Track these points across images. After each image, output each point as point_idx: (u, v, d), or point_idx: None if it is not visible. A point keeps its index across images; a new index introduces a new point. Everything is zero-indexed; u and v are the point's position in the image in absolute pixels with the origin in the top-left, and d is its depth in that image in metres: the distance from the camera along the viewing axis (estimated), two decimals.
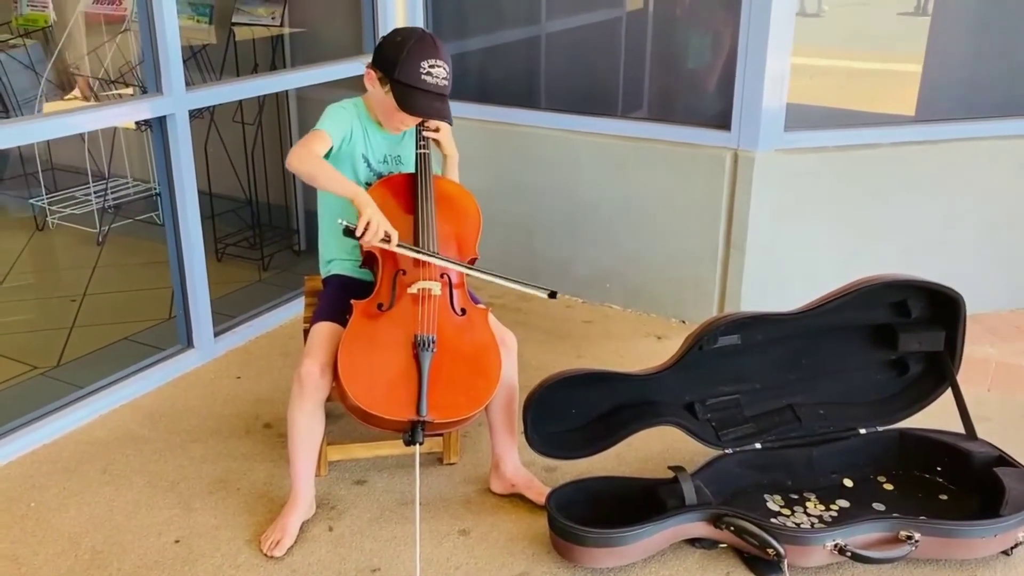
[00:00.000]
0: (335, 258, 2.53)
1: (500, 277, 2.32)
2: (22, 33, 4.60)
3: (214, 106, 4.14)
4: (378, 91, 2.36)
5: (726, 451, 2.52)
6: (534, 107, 3.81)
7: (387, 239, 2.23)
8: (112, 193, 4.79)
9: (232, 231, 4.39)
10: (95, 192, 4.68)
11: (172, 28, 2.90)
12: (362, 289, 2.37)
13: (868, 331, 2.60)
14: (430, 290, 2.30)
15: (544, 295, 2.36)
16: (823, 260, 3.47)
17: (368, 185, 2.43)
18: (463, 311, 2.34)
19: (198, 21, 4.15)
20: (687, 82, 3.66)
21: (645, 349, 3.43)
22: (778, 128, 3.34)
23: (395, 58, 2.29)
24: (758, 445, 2.54)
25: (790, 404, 2.60)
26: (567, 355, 3.36)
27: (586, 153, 3.65)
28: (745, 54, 3.26)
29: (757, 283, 3.48)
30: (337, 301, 2.37)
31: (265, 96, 4.20)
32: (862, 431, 2.60)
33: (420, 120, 2.42)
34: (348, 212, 2.43)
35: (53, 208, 4.64)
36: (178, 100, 2.98)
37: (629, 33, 3.77)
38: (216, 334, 3.32)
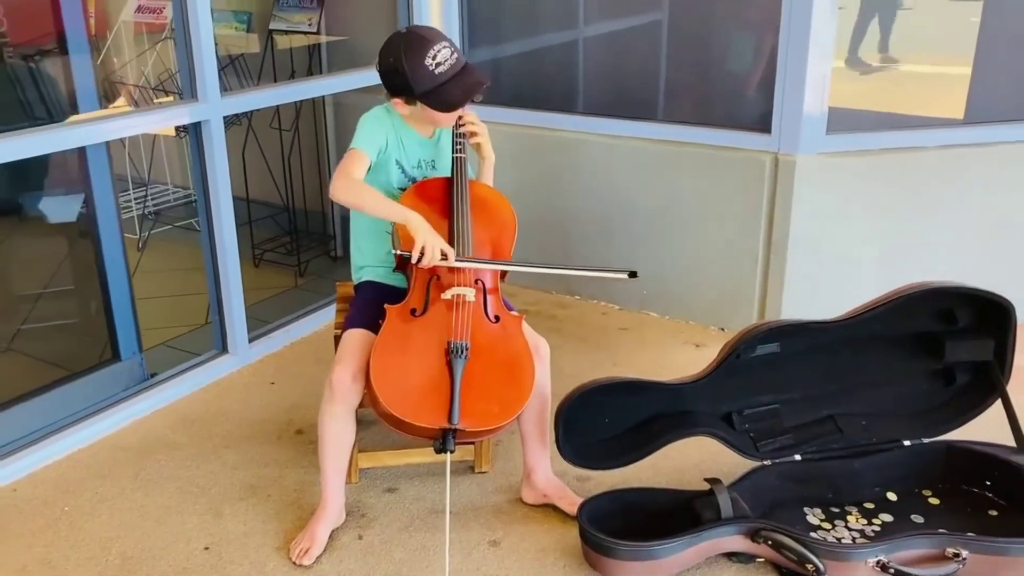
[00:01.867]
0: (367, 264, 2.51)
1: (573, 268, 2.31)
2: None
3: (251, 112, 4.16)
4: (413, 109, 2.33)
5: (765, 462, 2.46)
6: (570, 111, 3.77)
7: (445, 257, 2.21)
8: (152, 199, 4.83)
9: (269, 237, 4.40)
10: (136, 198, 4.73)
11: (207, 35, 2.91)
12: (394, 295, 2.34)
13: (913, 340, 2.51)
14: (464, 296, 2.27)
15: (624, 276, 2.34)
16: (867, 266, 3.38)
17: (402, 191, 2.41)
18: (497, 318, 2.30)
19: (236, 29, 4.17)
20: (727, 85, 3.60)
21: (683, 357, 3.36)
22: (820, 131, 3.27)
23: (404, 81, 2.25)
24: (798, 457, 2.47)
25: (831, 415, 2.53)
26: (603, 363, 3.31)
27: (623, 157, 3.60)
28: (786, 56, 3.20)
29: (799, 290, 3.40)
30: (369, 307, 2.35)
31: (302, 102, 4.21)
32: (907, 443, 2.51)
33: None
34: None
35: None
36: (213, 106, 2.99)
37: (667, 36, 3.72)
38: (251, 340, 3.32)
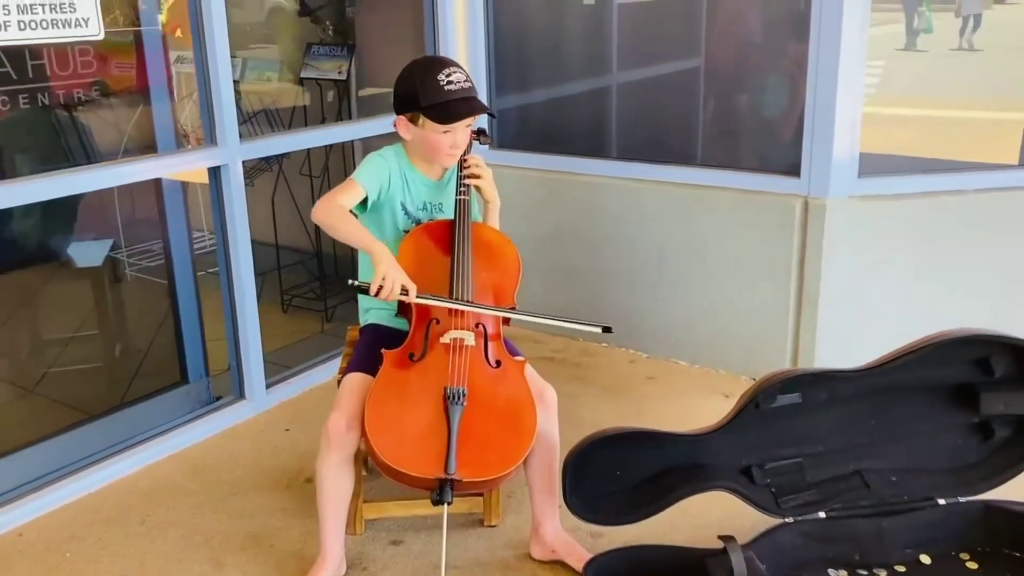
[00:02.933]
0: (372, 307, 2.46)
1: (544, 317, 2.25)
2: (107, 92, 4.76)
3: (282, 159, 4.18)
4: (415, 132, 2.30)
5: (787, 520, 2.32)
6: (596, 155, 3.72)
7: (405, 292, 2.15)
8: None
9: (299, 282, 4.40)
10: None
11: (226, 81, 2.94)
12: (397, 339, 2.28)
13: (946, 391, 2.37)
14: (463, 340, 2.20)
15: (598, 330, 2.27)
16: (906, 315, 3.22)
17: (407, 232, 2.37)
18: (498, 363, 2.23)
19: (268, 78, 4.22)
20: (754, 128, 3.52)
21: (712, 408, 3.22)
22: (851, 174, 3.16)
23: (413, 90, 2.25)
24: (822, 514, 2.33)
25: (858, 469, 2.38)
26: (626, 413, 3.20)
27: (650, 201, 3.52)
28: (814, 100, 3.11)
29: (833, 339, 3.26)
30: (370, 351, 2.29)
31: (331, 148, 4.22)
32: (941, 502, 2.35)
33: (468, 147, 2.38)
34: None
35: (131, 260, 4.74)
36: (231, 151, 3.00)
37: (695, 81, 3.66)
38: (268, 386, 3.29)
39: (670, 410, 3.23)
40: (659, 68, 3.85)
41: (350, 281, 2.20)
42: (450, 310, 2.23)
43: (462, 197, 2.36)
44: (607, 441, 2.26)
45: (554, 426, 2.32)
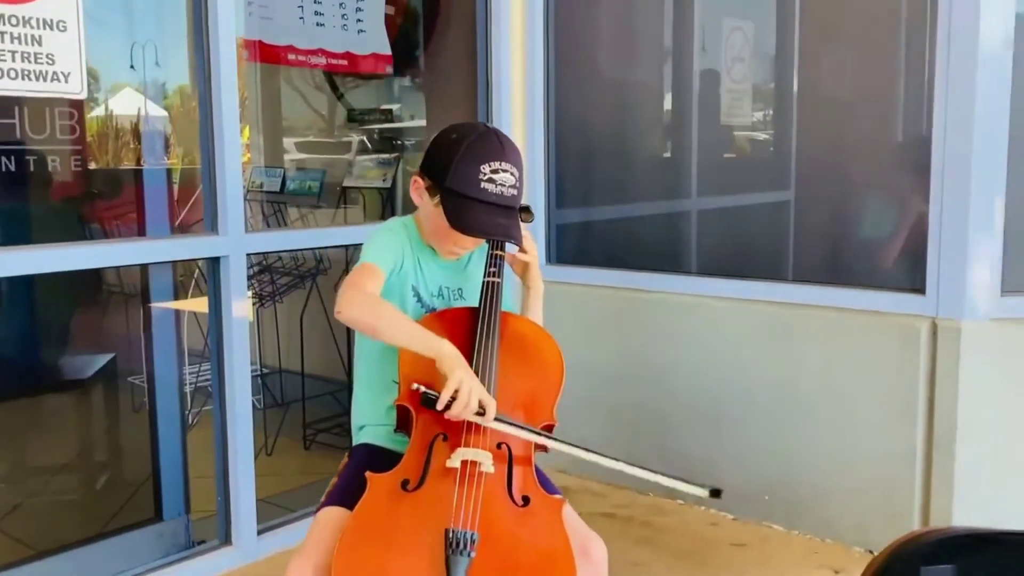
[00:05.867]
0: (367, 423, 1.90)
1: (639, 467, 1.69)
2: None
3: (317, 275, 3.76)
4: (426, 204, 1.82)
5: None
6: (672, 271, 3.19)
7: (482, 411, 1.60)
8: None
9: (325, 415, 3.88)
10: (190, 372, 4.34)
11: (233, 166, 2.54)
12: (390, 463, 1.70)
13: None
14: (478, 464, 1.61)
15: (703, 493, 1.68)
16: None
17: None
18: (525, 500, 1.63)
19: (310, 187, 3.85)
20: (862, 235, 2.96)
21: None
22: (992, 290, 2.55)
23: (447, 160, 1.75)
24: None
25: None
26: None
27: (736, 324, 2.95)
28: (939, 234, 2.59)
29: (975, 501, 2.58)
30: (356, 478, 1.71)
31: None
32: None
33: (483, 242, 1.85)
34: (391, 362, 1.81)
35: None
36: (234, 241, 2.57)
37: (786, 177, 3.16)
38: (260, 531, 2.71)
39: None
40: (750, 199, 3.38)
41: (414, 386, 1.64)
42: (462, 423, 1.64)
43: (491, 279, 1.82)
44: None
45: None
